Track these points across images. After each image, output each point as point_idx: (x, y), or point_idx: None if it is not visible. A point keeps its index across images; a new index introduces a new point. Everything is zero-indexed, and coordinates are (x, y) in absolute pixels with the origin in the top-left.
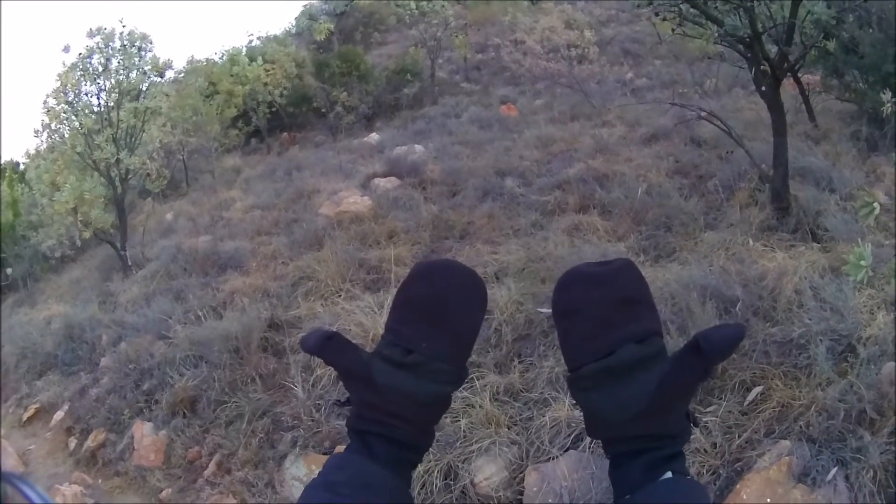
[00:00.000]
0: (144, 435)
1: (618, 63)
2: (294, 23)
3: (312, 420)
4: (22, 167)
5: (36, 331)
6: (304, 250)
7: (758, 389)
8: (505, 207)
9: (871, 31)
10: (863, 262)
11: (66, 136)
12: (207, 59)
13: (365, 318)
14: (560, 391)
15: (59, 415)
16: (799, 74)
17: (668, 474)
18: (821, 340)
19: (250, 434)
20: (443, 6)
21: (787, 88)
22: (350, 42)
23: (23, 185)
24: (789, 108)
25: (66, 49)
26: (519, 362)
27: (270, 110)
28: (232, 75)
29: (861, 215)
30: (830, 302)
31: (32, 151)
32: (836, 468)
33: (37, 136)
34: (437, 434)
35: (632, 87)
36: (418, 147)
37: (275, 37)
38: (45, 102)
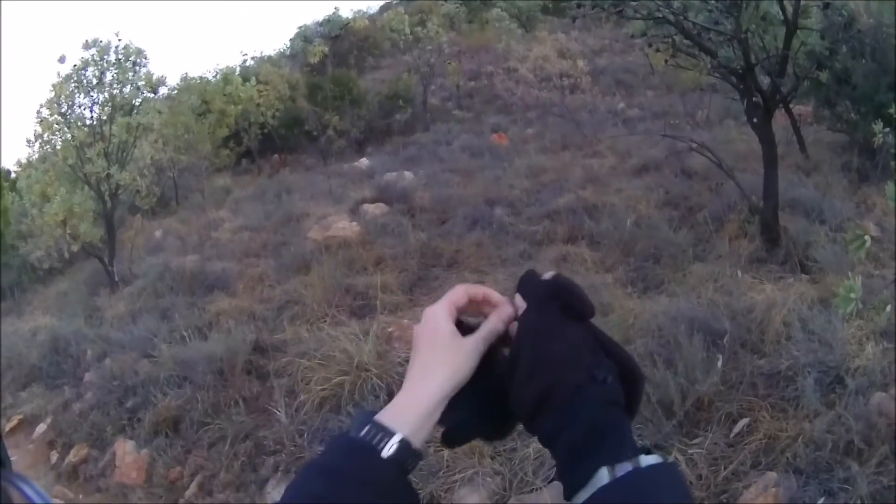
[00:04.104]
0: (126, 453)
1: (610, 93)
2: (289, 44)
3: (295, 445)
4: (13, 175)
5: (21, 341)
6: (291, 274)
7: (744, 421)
8: (493, 237)
9: (863, 61)
10: (852, 295)
11: (58, 147)
12: (201, 77)
13: (350, 345)
14: None
15: (41, 427)
16: (791, 105)
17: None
18: (809, 372)
19: (232, 457)
20: (437, 32)
21: (779, 120)
22: (344, 65)
23: (13, 193)
24: (780, 140)
25: (62, 59)
26: None
27: (262, 131)
28: (225, 95)
29: (852, 248)
30: (819, 333)
31: (24, 161)
32: (823, 499)
33: (29, 146)
34: (419, 463)
35: (623, 118)
36: (408, 174)
37: (269, 57)
38: (38, 112)
